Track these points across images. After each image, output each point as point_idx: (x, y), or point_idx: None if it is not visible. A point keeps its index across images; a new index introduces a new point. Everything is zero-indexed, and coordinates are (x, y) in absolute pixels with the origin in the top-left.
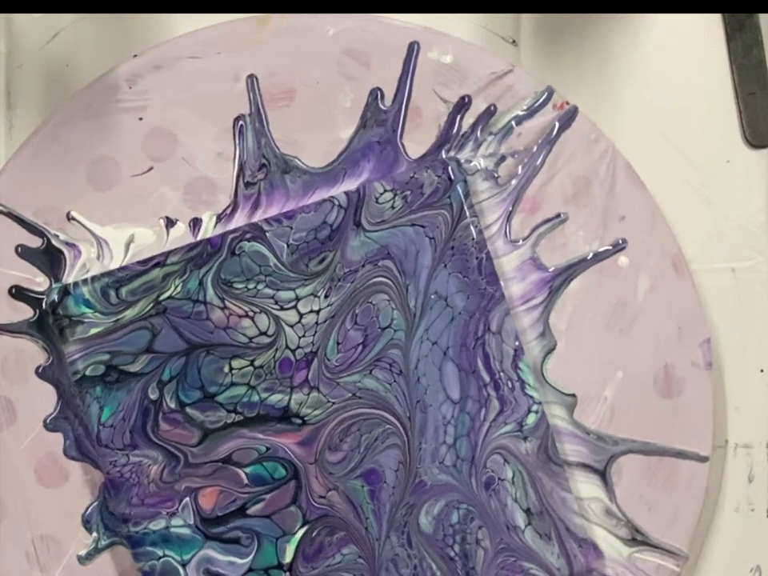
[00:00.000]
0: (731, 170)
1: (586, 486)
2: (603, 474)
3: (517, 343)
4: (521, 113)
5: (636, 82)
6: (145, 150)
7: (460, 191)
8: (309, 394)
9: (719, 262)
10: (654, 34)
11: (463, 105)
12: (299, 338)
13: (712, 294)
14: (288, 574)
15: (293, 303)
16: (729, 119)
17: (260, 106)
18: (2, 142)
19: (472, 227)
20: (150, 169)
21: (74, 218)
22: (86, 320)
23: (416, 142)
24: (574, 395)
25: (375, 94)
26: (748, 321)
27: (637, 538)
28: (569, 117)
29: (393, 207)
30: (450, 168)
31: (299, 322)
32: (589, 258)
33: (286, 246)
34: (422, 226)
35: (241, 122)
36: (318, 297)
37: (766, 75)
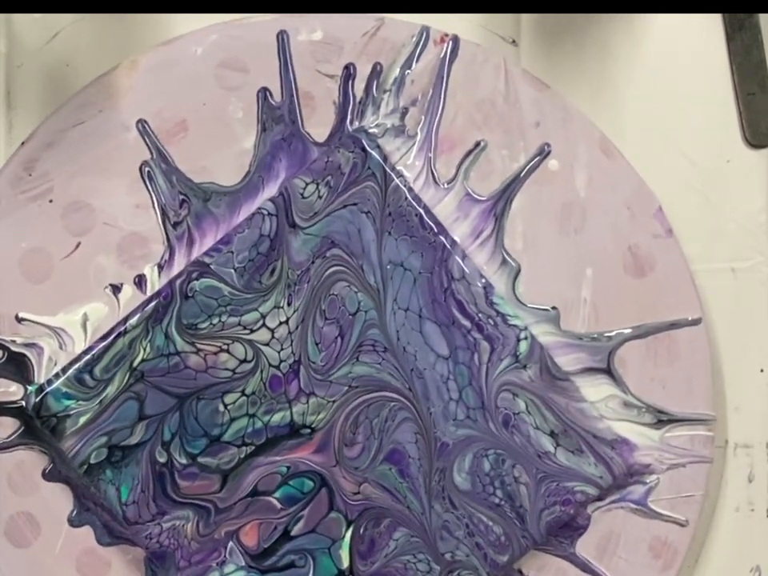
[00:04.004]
0: (731, 170)
1: (597, 389)
2: (608, 371)
3: (483, 280)
4: (406, 60)
5: (636, 82)
6: (67, 229)
7: (377, 157)
8: (307, 402)
9: (719, 261)
10: (653, 33)
11: (349, 74)
12: (278, 352)
13: (712, 294)
14: None
15: (260, 322)
16: (729, 119)
17: (159, 147)
18: (2, 142)
19: (401, 187)
20: (78, 245)
21: (23, 319)
22: (71, 412)
23: (318, 125)
24: (554, 308)
25: (263, 94)
26: (748, 321)
27: (662, 419)
28: (453, 48)
29: (320, 197)
30: (359, 139)
31: (273, 337)
32: (521, 174)
33: (233, 271)
34: (355, 204)
35: (147, 168)
36: (282, 307)
37: (766, 75)
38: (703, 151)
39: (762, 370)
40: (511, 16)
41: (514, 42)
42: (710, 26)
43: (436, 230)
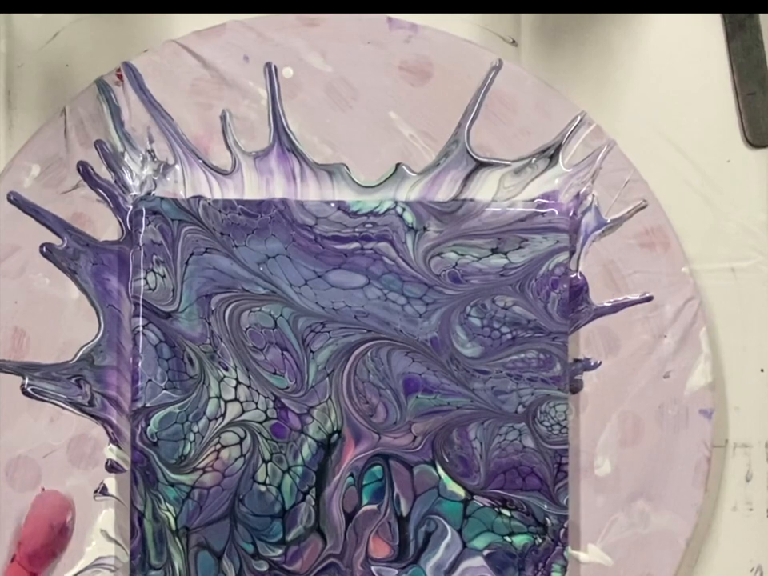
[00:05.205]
0: (731, 170)
1: (486, 183)
2: (478, 163)
3: (331, 204)
4: (112, 117)
5: (636, 82)
6: (19, 488)
7: (168, 206)
8: (312, 417)
9: (719, 261)
10: (654, 33)
11: (86, 172)
12: (257, 409)
13: (712, 294)
14: (474, 497)
15: (222, 403)
16: (729, 119)
17: (19, 366)
18: (2, 142)
19: (206, 206)
20: (43, 490)
21: None
22: None
23: (108, 230)
24: (398, 164)
25: (46, 251)
26: (748, 321)
27: (550, 153)
28: (132, 72)
29: (164, 276)
30: (141, 209)
31: (241, 402)
32: (272, 102)
33: (164, 391)
34: (191, 254)
35: (28, 389)
36: (224, 377)
37: (766, 75)
38: (703, 151)
39: (762, 370)
40: (511, 16)
41: (513, 42)
42: (710, 26)
43: (262, 207)
